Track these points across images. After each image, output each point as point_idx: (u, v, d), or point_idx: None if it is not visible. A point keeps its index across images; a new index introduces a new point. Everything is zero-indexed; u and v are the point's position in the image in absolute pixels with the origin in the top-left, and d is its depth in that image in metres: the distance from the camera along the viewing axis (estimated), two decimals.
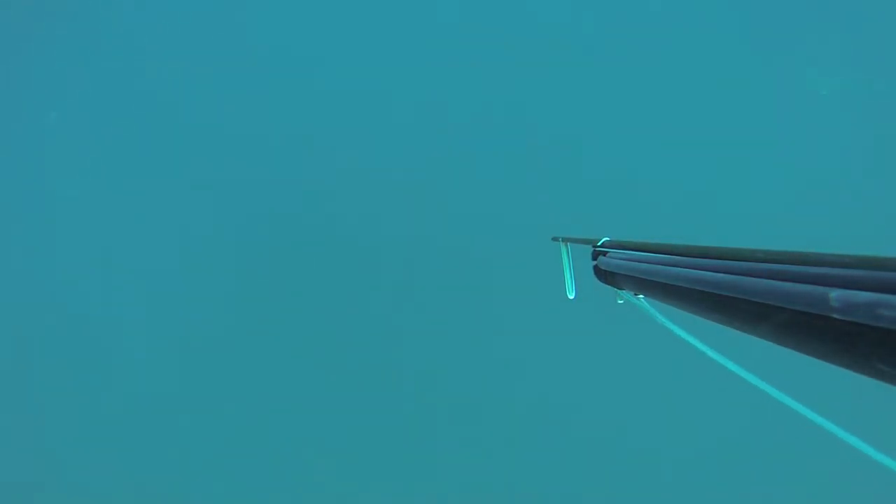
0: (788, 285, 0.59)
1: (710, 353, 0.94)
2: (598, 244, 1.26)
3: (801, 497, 7.70)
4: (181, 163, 7.33)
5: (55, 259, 7.24)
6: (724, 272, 0.74)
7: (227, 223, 7.40)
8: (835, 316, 0.51)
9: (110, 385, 6.92)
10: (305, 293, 8.05)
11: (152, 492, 6.71)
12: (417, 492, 7.82)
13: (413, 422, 7.94)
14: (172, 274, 7.12)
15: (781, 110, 9.24)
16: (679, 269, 0.86)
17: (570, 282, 1.43)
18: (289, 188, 7.89)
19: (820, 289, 0.54)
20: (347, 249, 8.22)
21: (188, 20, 8.04)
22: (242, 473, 6.96)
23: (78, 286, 7.17)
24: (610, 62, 9.25)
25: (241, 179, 7.42)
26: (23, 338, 6.91)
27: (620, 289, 1.16)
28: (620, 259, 1.12)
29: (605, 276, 1.20)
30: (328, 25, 8.46)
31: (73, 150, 7.42)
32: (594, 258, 1.26)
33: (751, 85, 9.27)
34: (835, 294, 0.51)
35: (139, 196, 7.39)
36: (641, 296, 1.10)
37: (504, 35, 9.35)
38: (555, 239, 1.55)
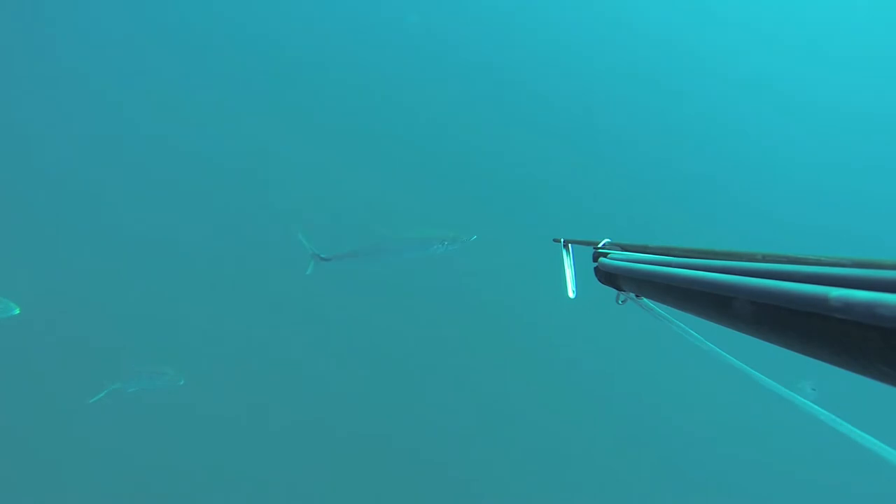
0: (788, 286, 0.59)
1: (714, 350, 0.94)
2: (600, 246, 1.26)
3: (800, 494, 7.68)
4: None
5: None
6: (724, 273, 0.74)
7: None
8: (834, 315, 0.51)
9: None
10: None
11: None
12: (422, 486, 7.81)
13: (412, 420, 7.92)
14: None
15: (784, 112, 9.21)
16: (679, 270, 0.85)
17: (571, 282, 1.43)
18: None
19: (820, 289, 0.54)
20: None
21: None
22: None
23: None
24: (610, 64, 9.22)
25: None
26: None
27: (621, 290, 1.16)
28: (621, 260, 1.12)
29: (605, 277, 1.19)
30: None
31: None
32: (595, 260, 1.25)
33: (751, 86, 9.25)
34: (834, 294, 0.51)
35: None
36: (643, 297, 1.10)
37: (506, 37, 9.31)
38: (556, 240, 1.53)
